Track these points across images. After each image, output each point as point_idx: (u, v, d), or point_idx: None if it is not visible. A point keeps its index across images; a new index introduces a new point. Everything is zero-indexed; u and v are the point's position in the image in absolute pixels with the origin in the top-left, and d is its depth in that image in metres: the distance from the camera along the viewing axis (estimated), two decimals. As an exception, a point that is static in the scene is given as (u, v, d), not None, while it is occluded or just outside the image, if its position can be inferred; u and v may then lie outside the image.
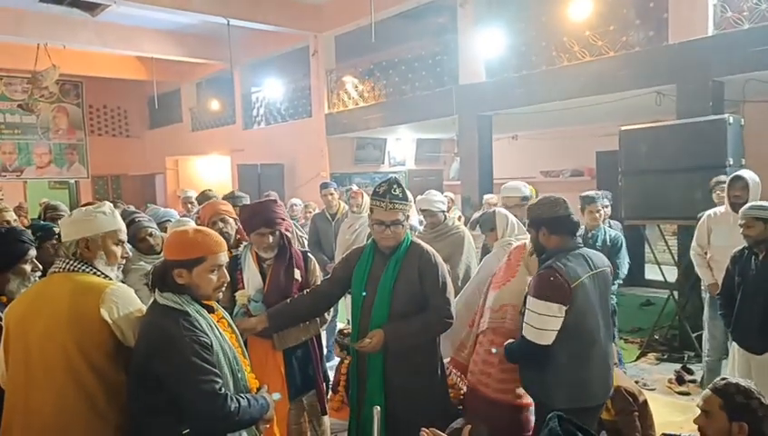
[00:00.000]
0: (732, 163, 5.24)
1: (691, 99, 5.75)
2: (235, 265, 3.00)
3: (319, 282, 3.06)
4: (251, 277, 2.95)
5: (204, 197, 5.83)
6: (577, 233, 2.72)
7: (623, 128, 6.01)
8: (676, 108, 5.90)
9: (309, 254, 3.16)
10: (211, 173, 14.03)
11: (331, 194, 5.97)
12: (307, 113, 10.87)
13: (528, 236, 2.96)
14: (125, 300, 2.04)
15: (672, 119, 5.89)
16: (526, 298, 2.68)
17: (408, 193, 2.88)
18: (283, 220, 2.99)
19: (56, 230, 3.49)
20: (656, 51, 6.11)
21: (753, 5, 5.48)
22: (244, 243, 3.17)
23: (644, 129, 5.89)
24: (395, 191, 2.71)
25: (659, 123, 6.01)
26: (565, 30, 6.89)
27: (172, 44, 11.17)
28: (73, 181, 14.60)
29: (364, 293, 2.75)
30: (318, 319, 3.01)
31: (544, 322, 2.51)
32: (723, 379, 2.17)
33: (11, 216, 4.03)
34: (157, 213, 4.39)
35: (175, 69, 12.78)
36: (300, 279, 2.98)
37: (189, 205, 7.03)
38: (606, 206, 5.11)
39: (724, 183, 4.44)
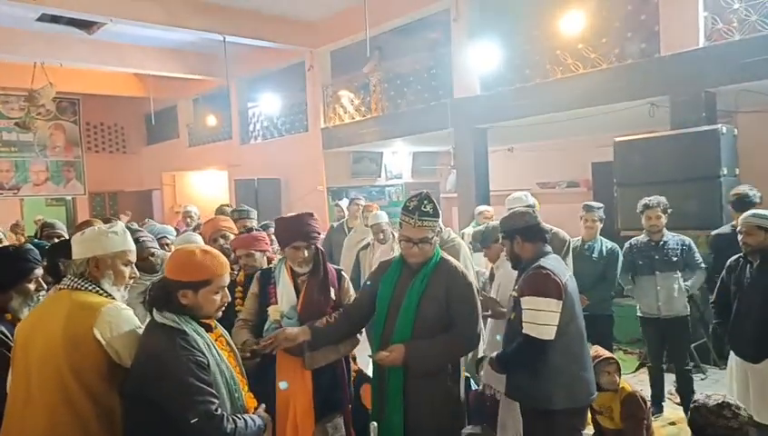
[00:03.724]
0: (726, 172, 5.28)
1: (684, 110, 5.79)
2: (268, 279, 2.92)
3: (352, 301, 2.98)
4: (286, 293, 2.84)
5: (222, 212, 5.86)
6: (547, 241, 2.86)
7: (617, 139, 6.05)
8: (670, 119, 5.94)
9: (342, 273, 3.05)
10: (208, 188, 14.03)
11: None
12: (303, 127, 10.91)
13: None
14: (120, 319, 2.02)
15: (665, 130, 5.93)
16: (517, 301, 2.71)
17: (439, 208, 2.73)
18: (318, 234, 2.92)
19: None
20: (649, 63, 6.16)
21: (743, 17, 5.54)
22: (278, 257, 3.08)
23: (638, 140, 5.93)
24: (425, 207, 2.60)
25: (653, 133, 6.05)
26: (558, 43, 6.95)
27: (168, 60, 11.22)
28: (69, 198, 14.58)
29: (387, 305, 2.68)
30: (351, 339, 2.91)
31: (544, 318, 2.58)
32: (699, 395, 2.31)
33: None
34: (153, 230, 4.37)
35: (172, 86, 12.84)
36: (334, 297, 2.89)
37: (188, 220, 7.07)
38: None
39: (649, 206, 4.43)
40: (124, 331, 2.01)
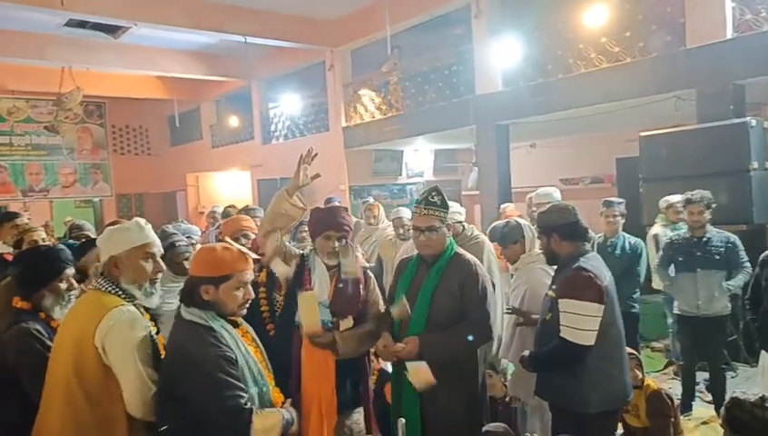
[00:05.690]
0: (756, 166, 5.16)
1: (711, 103, 5.66)
2: (302, 263, 2.88)
3: (377, 301, 2.97)
4: (322, 281, 2.80)
5: (227, 214, 5.96)
6: (587, 239, 2.76)
7: (643, 134, 5.95)
8: (696, 112, 5.81)
9: (368, 271, 3.06)
10: (231, 188, 14.19)
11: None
12: (324, 127, 10.95)
13: None
14: (120, 324, 1.98)
15: (692, 124, 5.82)
16: (555, 302, 2.65)
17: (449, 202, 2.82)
18: (350, 229, 2.93)
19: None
20: (674, 56, 6.04)
21: (773, 7, 5.40)
22: (309, 246, 3.06)
23: (664, 134, 5.83)
24: (432, 198, 2.73)
25: (680, 127, 5.93)
26: (581, 37, 6.86)
27: (191, 63, 11.37)
28: (97, 199, 14.86)
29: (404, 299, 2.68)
30: (374, 337, 2.88)
31: (584, 322, 2.49)
32: (734, 393, 2.24)
33: (39, 235, 3.97)
34: (179, 230, 4.44)
35: (194, 87, 13.00)
36: (362, 295, 2.89)
37: (211, 220, 7.20)
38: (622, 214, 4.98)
39: (691, 201, 4.29)
40: (118, 337, 1.97)
